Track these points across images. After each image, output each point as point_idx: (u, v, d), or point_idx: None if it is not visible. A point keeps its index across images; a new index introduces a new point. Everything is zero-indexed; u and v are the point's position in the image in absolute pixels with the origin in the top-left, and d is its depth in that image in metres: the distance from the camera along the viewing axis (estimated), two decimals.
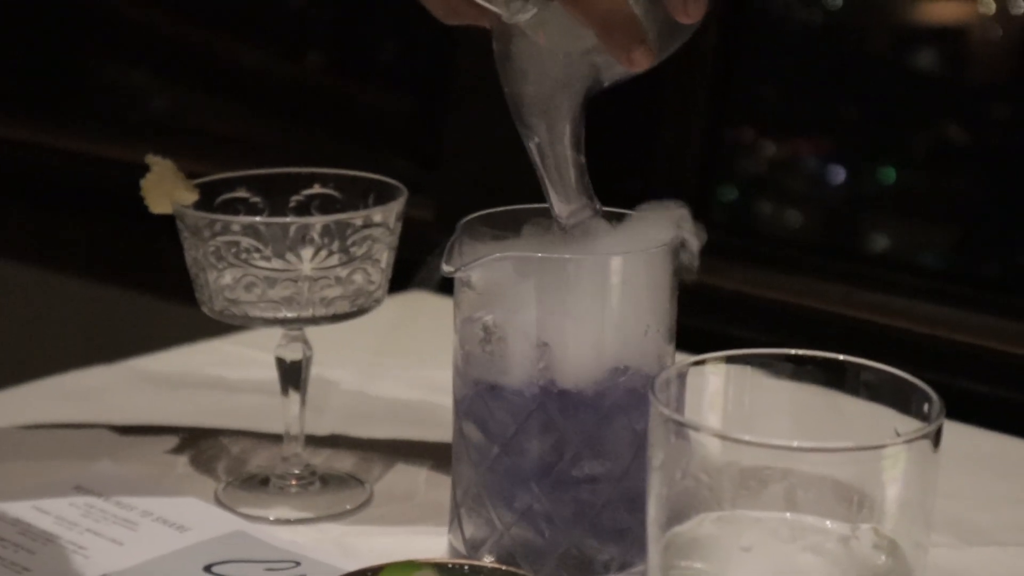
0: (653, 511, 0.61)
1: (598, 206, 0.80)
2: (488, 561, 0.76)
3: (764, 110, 1.62)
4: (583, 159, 0.79)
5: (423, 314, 1.21)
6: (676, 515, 0.61)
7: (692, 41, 0.78)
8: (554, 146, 0.79)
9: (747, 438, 0.58)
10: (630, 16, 0.74)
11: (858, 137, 1.58)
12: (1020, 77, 1.49)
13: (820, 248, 1.57)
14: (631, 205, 0.81)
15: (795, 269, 1.42)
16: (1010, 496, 0.96)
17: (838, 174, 1.59)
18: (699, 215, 0.80)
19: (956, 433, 0.63)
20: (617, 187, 0.82)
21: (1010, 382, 1.19)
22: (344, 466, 0.96)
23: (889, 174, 1.56)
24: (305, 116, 2.04)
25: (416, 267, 0.93)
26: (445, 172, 1.54)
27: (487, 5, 0.75)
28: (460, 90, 1.54)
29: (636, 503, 0.77)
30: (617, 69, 0.76)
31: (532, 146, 0.79)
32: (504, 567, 0.63)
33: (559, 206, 0.79)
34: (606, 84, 0.78)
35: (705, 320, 1.11)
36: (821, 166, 1.61)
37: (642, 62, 0.75)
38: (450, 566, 0.62)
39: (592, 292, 0.76)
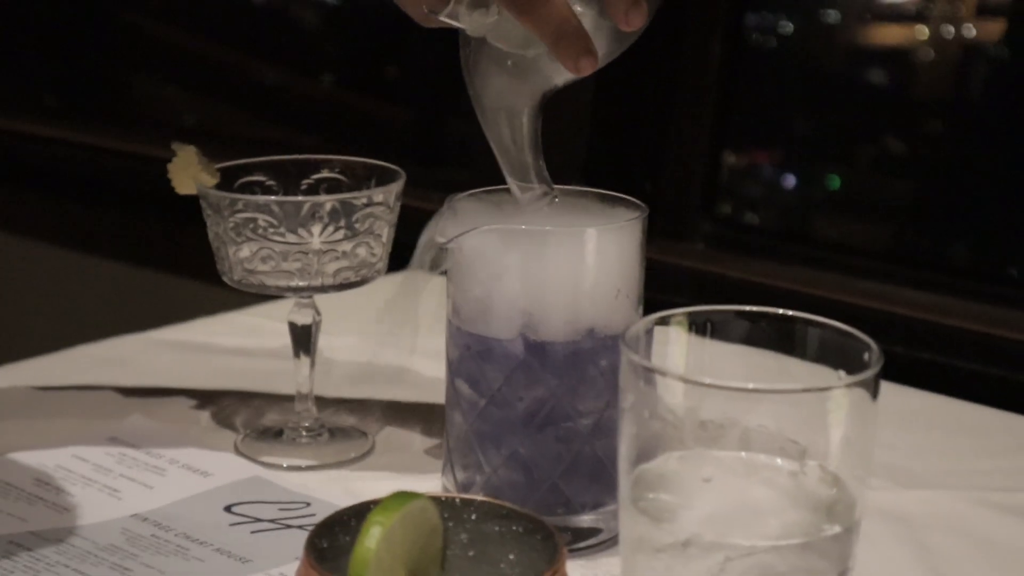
0: (624, 449, 0.61)
1: (553, 191, 0.80)
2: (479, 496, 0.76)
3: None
4: (540, 151, 0.80)
5: (419, 290, 1.20)
6: (644, 453, 0.61)
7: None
8: (514, 139, 0.79)
9: (707, 381, 0.58)
10: (577, 28, 0.74)
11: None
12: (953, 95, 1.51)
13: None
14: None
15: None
16: (939, 447, 0.96)
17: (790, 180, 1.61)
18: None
19: (891, 392, 0.63)
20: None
21: (935, 347, 1.20)
22: (349, 420, 0.96)
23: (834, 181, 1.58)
24: (319, 126, 2.05)
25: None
26: (447, 169, 1.55)
27: (451, 23, 0.76)
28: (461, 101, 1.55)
29: (608, 447, 0.78)
30: (567, 74, 0.77)
31: (493, 139, 0.79)
32: (490, 499, 0.63)
33: (519, 191, 0.79)
34: (560, 85, 0.79)
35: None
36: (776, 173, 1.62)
37: (587, 69, 0.75)
38: (443, 499, 0.63)
39: (570, 260, 0.76)
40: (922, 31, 1.49)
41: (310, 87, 2.12)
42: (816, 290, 1.32)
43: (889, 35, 1.56)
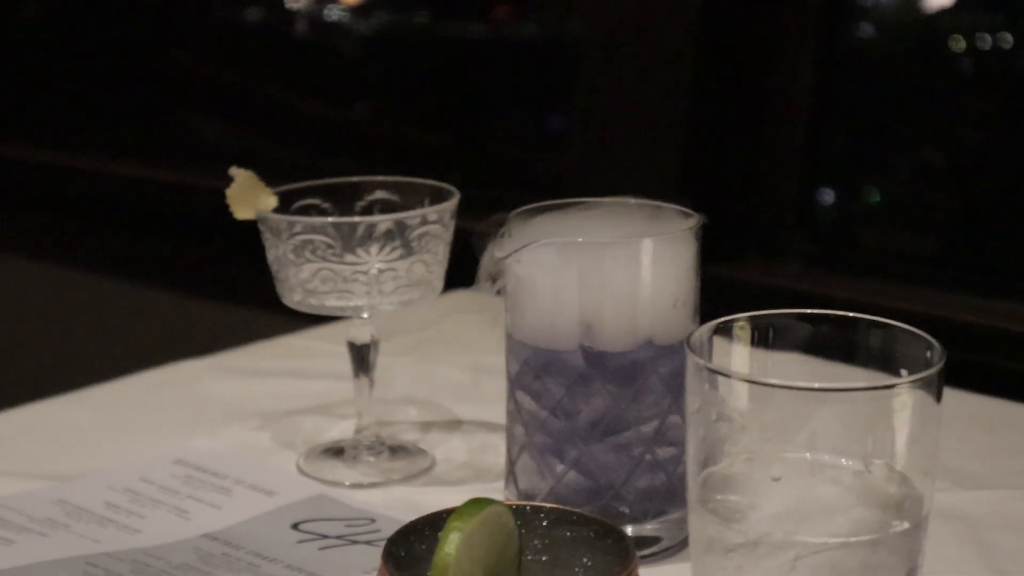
0: (692, 452, 0.62)
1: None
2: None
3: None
4: None
5: (471, 309, 1.21)
6: (711, 456, 0.62)
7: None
8: None
9: (773, 381, 0.59)
10: None
11: None
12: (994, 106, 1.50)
13: None
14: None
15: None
16: (998, 448, 0.96)
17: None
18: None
19: (950, 396, 0.63)
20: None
21: (997, 352, 1.19)
22: (408, 437, 0.97)
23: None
24: (356, 153, 2.07)
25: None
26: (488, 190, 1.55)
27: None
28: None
29: (669, 454, 0.79)
30: None
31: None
32: (559, 505, 0.64)
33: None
34: None
35: None
36: None
37: None
38: (514, 506, 0.63)
39: (627, 271, 0.77)
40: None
41: (348, 115, 2.14)
42: (911, 305, 1.30)
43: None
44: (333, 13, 2.12)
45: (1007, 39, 1.46)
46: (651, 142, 1.40)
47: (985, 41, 1.47)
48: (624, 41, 1.43)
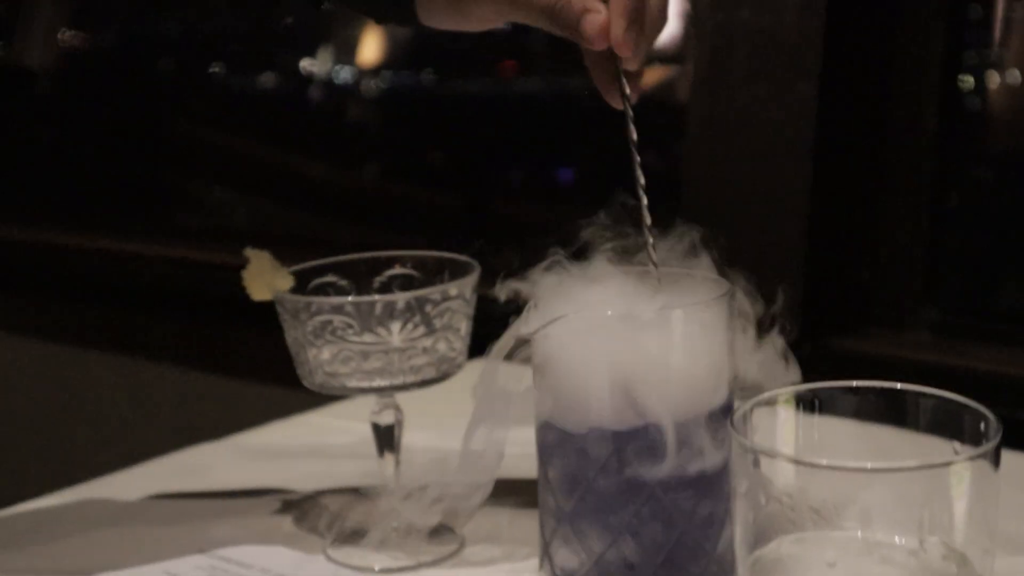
0: (740, 534, 0.60)
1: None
2: None
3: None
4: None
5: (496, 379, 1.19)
6: (760, 538, 0.60)
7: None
8: None
9: (823, 462, 0.56)
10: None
11: None
12: None
13: None
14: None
15: None
16: None
17: None
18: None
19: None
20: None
21: None
22: (436, 517, 0.94)
23: None
24: (365, 216, 2.05)
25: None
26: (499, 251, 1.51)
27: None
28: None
29: (708, 531, 0.76)
30: None
31: None
32: None
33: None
34: None
35: None
36: None
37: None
38: None
39: (658, 344, 0.75)
40: None
41: (355, 179, 2.13)
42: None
43: None
44: (342, 75, 2.11)
45: None
46: (773, 216, 1.33)
47: None
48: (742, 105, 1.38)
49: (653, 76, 1.66)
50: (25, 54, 2.33)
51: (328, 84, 2.13)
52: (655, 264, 0.78)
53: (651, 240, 0.78)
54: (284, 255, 0.90)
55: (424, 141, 2.04)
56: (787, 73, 1.31)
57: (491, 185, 1.98)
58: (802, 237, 1.30)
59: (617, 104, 0.80)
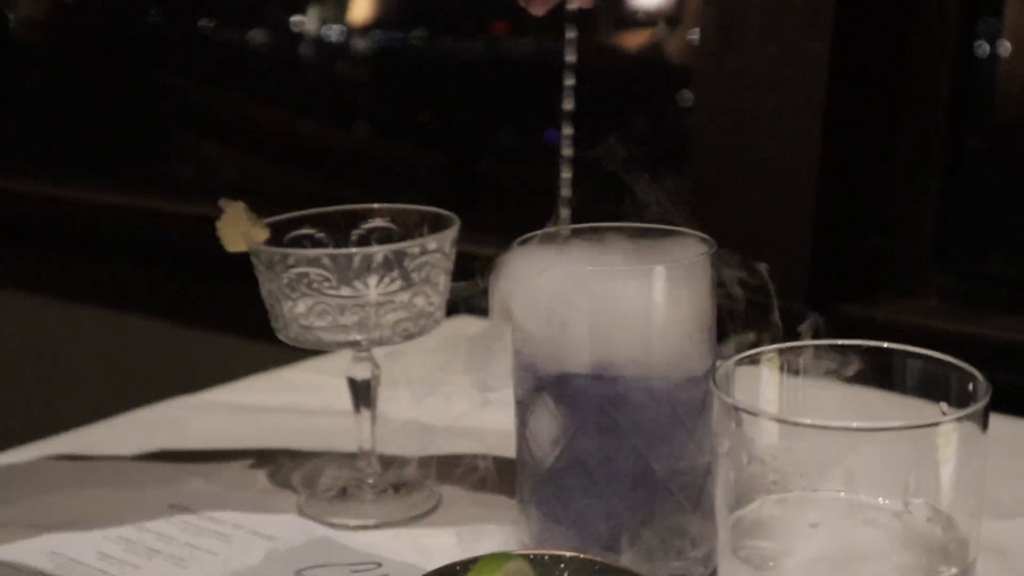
0: (721, 495, 0.58)
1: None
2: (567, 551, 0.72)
3: None
4: None
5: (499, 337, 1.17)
6: (741, 498, 0.58)
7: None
8: None
9: (807, 421, 0.55)
10: None
11: None
12: None
13: None
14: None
15: None
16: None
17: None
18: None
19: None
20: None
21: None
22: (412, 474, 0.93)
23: None
24: (354, 174, 2.03)
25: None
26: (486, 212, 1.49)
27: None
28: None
29: (688, 490, 0.75)
30: None
31: None
32: (583, 554, 0.60)
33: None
34: None
35: None
36: None
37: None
38: (532, 556, 0.59)
39: (639, 299, 0.73)
40: None
41: (344, 137, 2.11)
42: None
43: None
44: (332, 33, 2.08)
45: None
46: (783, 178, 1.30)
47: None
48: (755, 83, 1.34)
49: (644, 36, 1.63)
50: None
51: (318, 41, 2.11)
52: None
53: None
54: (270, 211, 0.88)
55: (414, 100, 2.02)
56: (799, 34, 1.29)
57: (480, 145, 1.96)
58: (811, 202, 1.28)
59: (537, 11, 0.78)
